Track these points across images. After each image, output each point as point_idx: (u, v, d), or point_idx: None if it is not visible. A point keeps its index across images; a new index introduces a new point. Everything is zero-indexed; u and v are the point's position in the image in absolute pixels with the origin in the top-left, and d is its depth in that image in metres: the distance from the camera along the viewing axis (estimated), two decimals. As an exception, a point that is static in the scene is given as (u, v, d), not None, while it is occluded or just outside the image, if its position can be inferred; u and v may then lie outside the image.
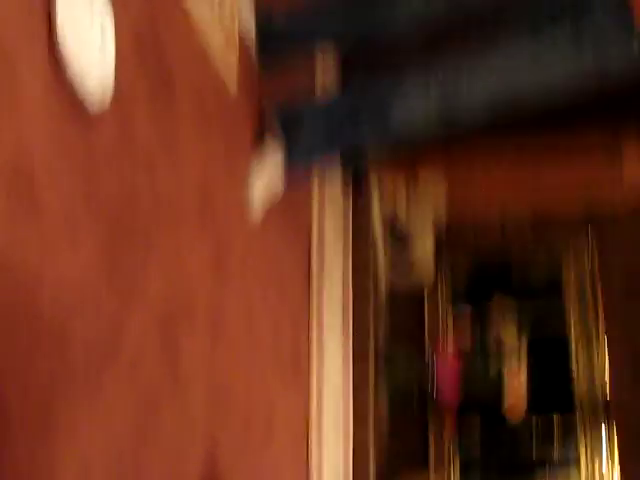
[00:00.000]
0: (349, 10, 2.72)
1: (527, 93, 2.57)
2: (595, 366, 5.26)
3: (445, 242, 5.26)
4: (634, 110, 4.60)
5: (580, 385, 5.27)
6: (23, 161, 1.44)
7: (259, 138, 2.80)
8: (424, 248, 4.92)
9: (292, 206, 3.41)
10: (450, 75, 2.55)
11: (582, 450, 5.25)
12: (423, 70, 2.60)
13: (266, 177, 2.75)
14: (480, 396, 5.19)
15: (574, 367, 5.30)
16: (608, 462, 5.18)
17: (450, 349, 5.17)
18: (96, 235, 1.67)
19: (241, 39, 2.73)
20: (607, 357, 5.24)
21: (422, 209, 4.76)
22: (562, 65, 2.50)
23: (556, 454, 5.36)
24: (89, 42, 1.70)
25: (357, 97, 2.69)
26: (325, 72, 4.10)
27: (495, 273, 5.27)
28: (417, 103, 2.59)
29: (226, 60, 2.57)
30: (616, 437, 5.16)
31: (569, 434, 5.31)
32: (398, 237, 4.99)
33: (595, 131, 4.98)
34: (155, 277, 1.95)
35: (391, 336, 5.09)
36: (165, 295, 2.01)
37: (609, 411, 5.17)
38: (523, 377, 5.12)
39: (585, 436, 5.26)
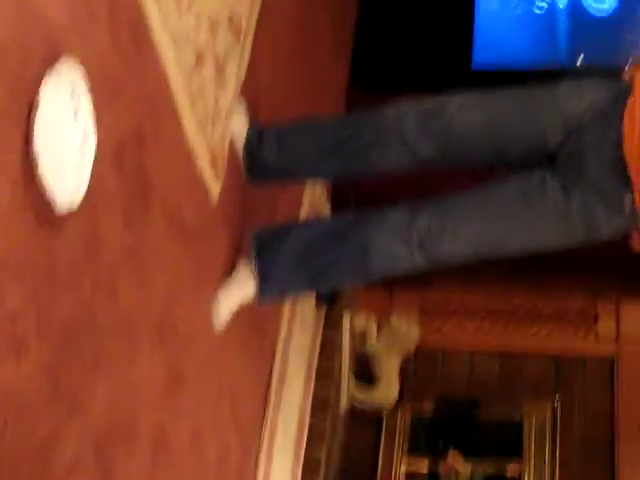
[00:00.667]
0: (337, 158, 2.69)
1: (509, 250, 2.55)
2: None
3: (412, 373, 5.22)
4: (611, 268, 4.61)
5: None
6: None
7: (235, 257, 2.75)
8: (389, 375, 4.87)
9: (260, 318, 3.35)
10: (434, 225, 2.51)
11: None
12: (408, 214, 2.55)
13: (234, 296, 2.69)
14: None
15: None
16: None
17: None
18: (43, 350, 1.62)
19: (230, 155, 2.71)
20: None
21: (392, 343, 4.72)
22: (551, 230, 2.48)
23: None
24: (67, 144, 1.66)
25: (337, 237, 2.64)
26: (313, 195, 4.09)
27: (457, 421, 5.19)
28: (397, 250, 2.55)
29: (211, 173, 2.55)
30: None
31: None
32: (363, 360, 4.95)
33: (570, 289, 5.01)
34: (100, 395, 1.89)
35: (344, 460, 4.99)
36: (108, 413, 1.94)
37: None
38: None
39: None
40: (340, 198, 4.56)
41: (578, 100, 2.45)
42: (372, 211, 2.63)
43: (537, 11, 5.30)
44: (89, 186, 1.71)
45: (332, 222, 2.79)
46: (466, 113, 2.55)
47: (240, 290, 2.69)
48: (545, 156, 2.48)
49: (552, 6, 5.29)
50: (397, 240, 2.54)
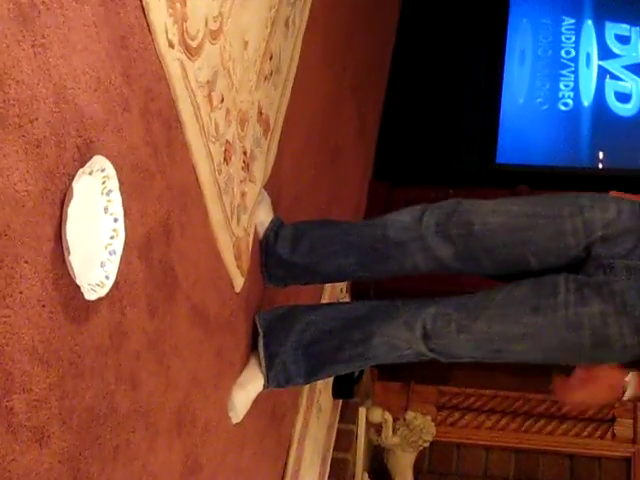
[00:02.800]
0: (356, 260, 2.71)
1: (513, 355, 2.53)
2: None
3: (427, 467, 5.19)
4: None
5: None
6: (6, 347, 1.41)
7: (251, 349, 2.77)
8: (404, 470, 4.83)
9: (277, 408, 3.35)
10: (440, 318, 2.51)
11: None
12: (417, 306, 2.56)
13: (249, 392, 2.70)
14: None
15: None
16: None
17: None
18: (64, 438, 1.63)
19: (254, 248, 2.74)
20: None
21: (407, 437, 4.69)
22: (558, 341, 2.43)
23: None
24: (97, 236, 1.71)
25: (345, 323, 2.65)
26: (333, 287, 4.11)
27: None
28: (401, 336, 2.55)
29: (235, 266, 2.58)
30: None
31: None
32: (378, 454, 4.93)
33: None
34: (118, 483, 1.90)
35: None
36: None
37: None
38: None
39: None
40: (360, 290, 4.58)
41: (602, 211, 2.44)
42: (384, 302, 2.65)
43: (562, 107, 5.36)
44: (116, 276, 1.75)
45: (344, 309, 2.78)
46: (488, 217, 2.54)
47: (252, 385, 2.70)
48: (566, 261, 2.47)
49: (577, 103, 5.35)
50: (401, 327, 2.54)
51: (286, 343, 2.64)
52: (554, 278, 2.44)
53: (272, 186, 2.93)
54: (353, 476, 4.63)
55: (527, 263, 2.52)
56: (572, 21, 5.61)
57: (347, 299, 4.44)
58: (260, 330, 2.69)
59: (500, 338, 2.48)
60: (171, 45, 1.98)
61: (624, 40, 5.50)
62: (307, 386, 3.82)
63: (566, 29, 5.59)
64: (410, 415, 4.74)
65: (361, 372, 4.39)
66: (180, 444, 2.30)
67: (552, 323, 2.41)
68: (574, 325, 2.38)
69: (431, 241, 2.58)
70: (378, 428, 4.79)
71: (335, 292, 4.23)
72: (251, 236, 2.73)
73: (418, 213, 2.63)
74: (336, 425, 4.51)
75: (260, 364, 2.68)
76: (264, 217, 2.81)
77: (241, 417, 2.73)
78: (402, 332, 2.54)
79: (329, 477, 4.32)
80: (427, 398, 5.20)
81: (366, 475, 4.74)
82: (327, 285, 3.96)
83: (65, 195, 1.56)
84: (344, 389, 4.40)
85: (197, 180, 2.26)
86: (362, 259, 2.68)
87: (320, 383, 4.09)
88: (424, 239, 2.58)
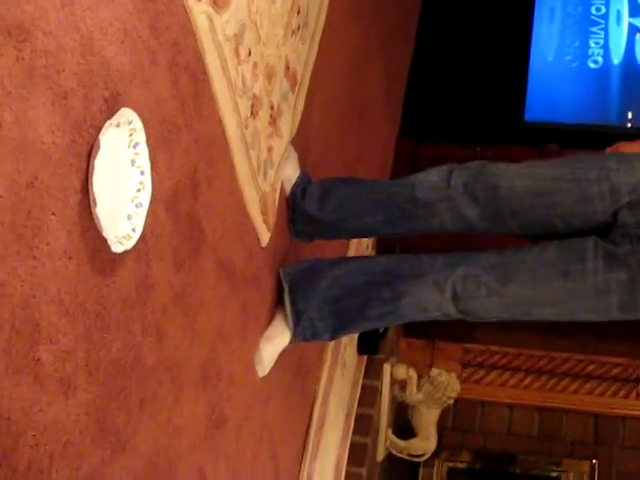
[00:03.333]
0: (383, 218, 2.71)
1: (542, 316, 2.54)
2: None
3: (451, 424, 5.21)
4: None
5: None
6: (33, 298, 1.42)
7: (277, 303, 2.78)
8: (427, 426, 4.85)
9: (302, 363, 3.37)
10: (471, 280, 2.51)
11: None
12: (446, 266, 2.55)
13: (275, 345, 2.71)
14: None
15: None
16: None
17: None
18: (91, 389, 1.64)
19: (280, 203, 2.74)
20: None
21: (431, 394, 4.71)
22: (586, 306, 2.44)
23: None
24: (123, 189, 1.71)
25: (371, 279, 2.64)
26: (359, 242, 4.11)
27: (493, 474, 5.16)
28: (430, 297, 2.56)
29: (261, 221, 2.58)
30: None
31: None
32: (402, 410, 4.95)
33: (613, 349, 5.00)
34: (143, 435, 1.91)
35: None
36: (150, 454, 1.96)
37: None
38: None
39: None
40: (386, 246, 4.58)
41: (628, 175, 2.42)
42: (410, 257, 2.65)
43: (592, 65, 5.31)
44: (143, 229, 1.75)
45: (368, 263, 2.76)
46: (514, 180, 2.53)
47: (279, 339, 2.72)
48: (592, 225, 2.46)
49: (607, 61, 5.30)
50: (431, 288, 2.54)
51: (312, 299, 2.65)
52: (583, 242, 2.44)
53: (299, 141, 2.93)
54: (377, 432, 4.66)
55: (553, 225, 2.52)
56: (603, -23, 5.55)
57: (373, 255, 4.45)
58: (285, 285, 2.70)
59: (530, 302, 2.50)
60: (198, -2, 1.98)
61: (655, -3, 5.44)
62: (332, 342, 3.83)
63: (596, -15, 5.53)
64: (435, 372, 4.75)
65: (386, 329, 4.41)
66: (205, 397, 2.31)
67: (581, 289, 2.42)
68: (603, 291, 2.39)
69: (459, 202, 2.58)
70: (402, 384, 4.81)
71: (361, 248, 4.23)
72: (277, 191, 2.73)
73: (445, 173, 2.63)
74: (361, 381, 4.53)
75: (287, 319, 2.68)
76: (291, 173, 2.81)
77: (267, 370, 2.74)
78: (432, 294, 2.54)
79: (353, 433, 4.34)
80: (452, 355, 5.22)
81: (390, 431, 4.77)
82: (353, 240, 3.97)
83: (92, 147, 1.56)
84: (369, 345, 4.42)
85: (224, 134, 2.25)
86: (389, 217, 2.68)
87: (345, 339, 4.11)
88: (452, 200, 2.59)
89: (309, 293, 2.66)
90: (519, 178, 2.54)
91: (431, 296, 2.55)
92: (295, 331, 2.69)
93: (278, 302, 2.76)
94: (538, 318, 2.55)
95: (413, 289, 2.56)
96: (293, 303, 2.67)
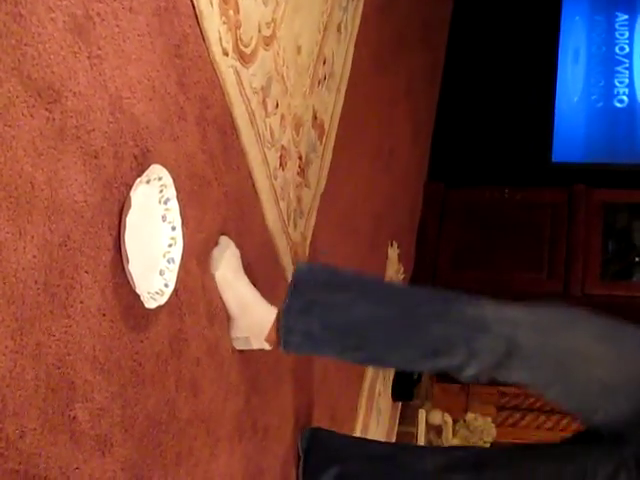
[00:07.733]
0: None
1: None
2: None
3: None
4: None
5: None
6: (68, 357, 1.42)
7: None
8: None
9: (336, 411, 3.35)
10: None
11: None
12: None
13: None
14: None
15: None
16: None
17: None
18: (127, 446, 1.64)
19: (310, 251, 2.74)
20: None
21: (467, 439, 4.68)
22: None
23: None
24: (155, 244, 1.72)
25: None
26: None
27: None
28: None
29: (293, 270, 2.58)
30: None
31: None
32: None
33: None
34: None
35: None
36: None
37: None
38: None
39: None
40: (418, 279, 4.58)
41: None
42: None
43: (618, 104, 5.31)
44: (175, 284, 1.75)
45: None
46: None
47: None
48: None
49: (632, 100, 5.30)
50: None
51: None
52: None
53: (327, 190, 2.93)
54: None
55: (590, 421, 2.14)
56: (625, 17, 5.56)
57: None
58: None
59: None
60: (225, 53, 1.99)
61: (679, 35, 5.45)
62: (366, 389, 3.82)
63: (619, 25, 5.54)
64: (470, 416, 4.72)
65: (420, 374, 4.39)
66: (241, 450, 2.30)
67: None
68: None
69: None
70: (438, 430, 4.78)
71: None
72: (308, 240, 2.73)
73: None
74: (396, 427, 4.51)
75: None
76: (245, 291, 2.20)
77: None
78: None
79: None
80: (487, 399, 5.18)
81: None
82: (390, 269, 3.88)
83: (123, 204, 1.57)
84: (404, 391, 4.39)
85: (253, 186, 2.26)
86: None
87: (379, 385, 4.09)
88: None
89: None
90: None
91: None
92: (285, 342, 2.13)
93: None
94: None
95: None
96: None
